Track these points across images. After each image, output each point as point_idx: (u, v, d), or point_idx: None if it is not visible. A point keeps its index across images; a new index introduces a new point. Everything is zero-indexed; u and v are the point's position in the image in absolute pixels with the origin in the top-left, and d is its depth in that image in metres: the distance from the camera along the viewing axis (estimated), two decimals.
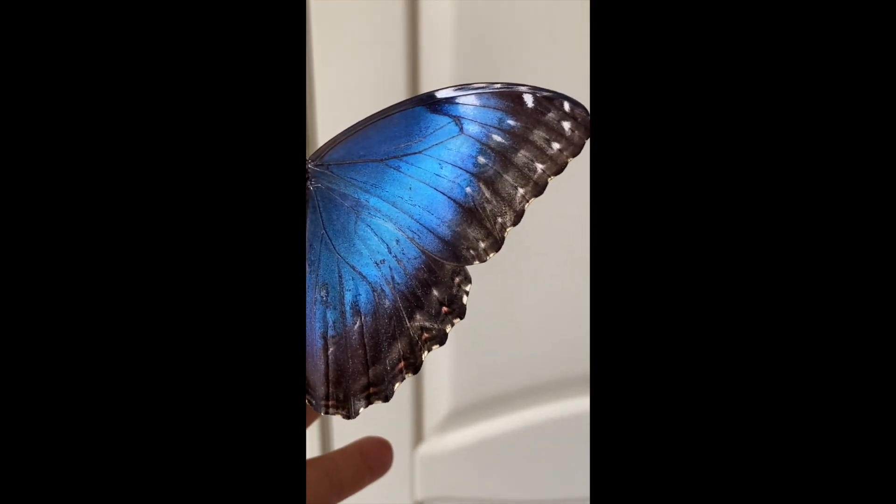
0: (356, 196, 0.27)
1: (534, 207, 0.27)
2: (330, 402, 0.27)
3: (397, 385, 0.27)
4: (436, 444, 0.61)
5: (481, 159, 0.26)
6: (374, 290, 0.27)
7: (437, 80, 0.47)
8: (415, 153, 0.27)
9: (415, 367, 0.27)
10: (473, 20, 0.46)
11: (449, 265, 0.27)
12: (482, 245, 0.26)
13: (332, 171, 0.28)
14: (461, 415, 0.59)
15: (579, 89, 0.28)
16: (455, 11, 0.45)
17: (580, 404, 0.60)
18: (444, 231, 0.26)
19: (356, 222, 0.27)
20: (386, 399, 0.27)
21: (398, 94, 0.48)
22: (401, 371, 0.27)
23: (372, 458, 0.32)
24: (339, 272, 0.27)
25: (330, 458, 0.32)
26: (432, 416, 0.58)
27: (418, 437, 0.61)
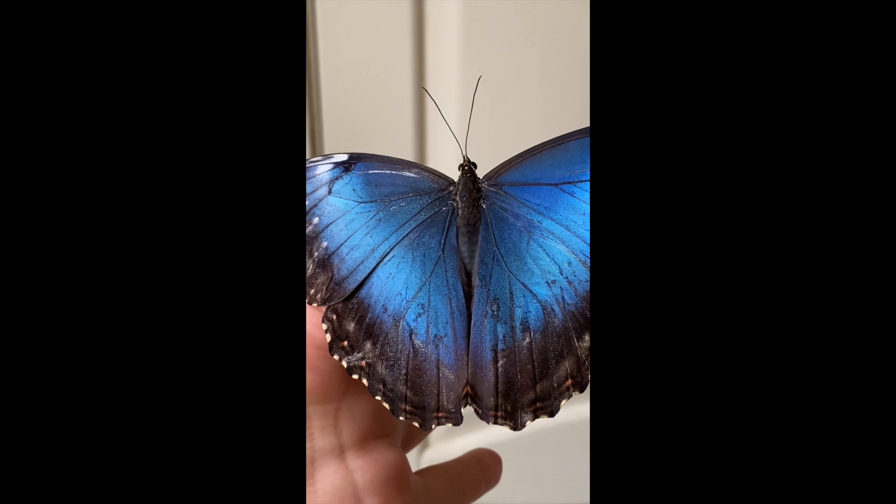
0: (529, 217, 0.28)
1: None
2: (498, 413, 0.28)
3: (563, 402, 0.28)
4: (441, 450, 0.61)
5: None
6: (544, 309, 0.28)
7: (441, 71, 0.48)
8: (589, 180, 0.28)
9: (581, 386, 0.28)
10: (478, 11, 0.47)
11: None
12: None
13: (505, 192, 0.28)
14: (465, 421, 0.59)
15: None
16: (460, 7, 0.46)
17: (583, 411, 0.62)
18: None
19: (528, 242, 0.28)
20: (551, 415, 0.28)
21: (401, 89, 0.49)
22: (567, 388, 0.28)
23: (489, 469, 0.33)
24: (511, 288, 0.28)
25: (451, 467, 0.32)
26: None
27: (423, 442, 0.61)
